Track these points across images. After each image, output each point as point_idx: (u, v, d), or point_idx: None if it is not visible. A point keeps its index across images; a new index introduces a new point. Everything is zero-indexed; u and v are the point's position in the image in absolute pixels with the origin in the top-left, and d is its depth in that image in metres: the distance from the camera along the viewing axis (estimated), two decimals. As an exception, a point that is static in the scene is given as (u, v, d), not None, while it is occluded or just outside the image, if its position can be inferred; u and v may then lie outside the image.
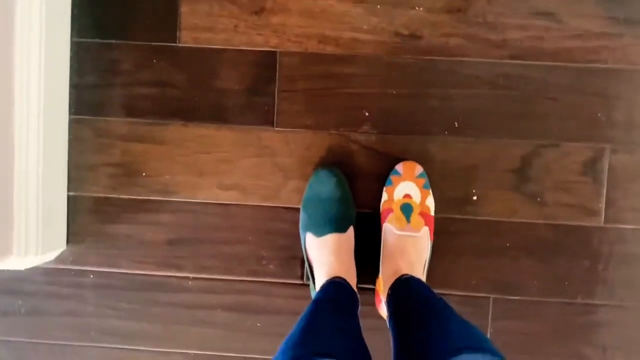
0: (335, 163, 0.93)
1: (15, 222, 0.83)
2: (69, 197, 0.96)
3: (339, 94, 0.93)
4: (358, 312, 0.82)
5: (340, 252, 0.86)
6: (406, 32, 0.92)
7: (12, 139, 0.83)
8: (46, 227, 0.90)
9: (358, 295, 0.84)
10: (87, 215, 0.96)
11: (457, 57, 0.92)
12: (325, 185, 0.89)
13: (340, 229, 0.87)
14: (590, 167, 0.91)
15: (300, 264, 0.94)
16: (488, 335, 0.93)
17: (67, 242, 0.96)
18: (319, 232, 0.87)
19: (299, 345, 0.62)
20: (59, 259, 0.96)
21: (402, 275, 0.82)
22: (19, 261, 0.84)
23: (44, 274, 0.96)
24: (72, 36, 0.95)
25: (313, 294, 0.89)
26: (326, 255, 0.86)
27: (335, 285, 0.81)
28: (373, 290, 0.93)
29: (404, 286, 0.80)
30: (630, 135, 0.91)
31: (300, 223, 0.91)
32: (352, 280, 0.86)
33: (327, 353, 0.58)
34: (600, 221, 0.92)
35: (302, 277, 0.94)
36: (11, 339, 0.98)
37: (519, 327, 0.93)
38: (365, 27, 0.92)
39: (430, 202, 0.91)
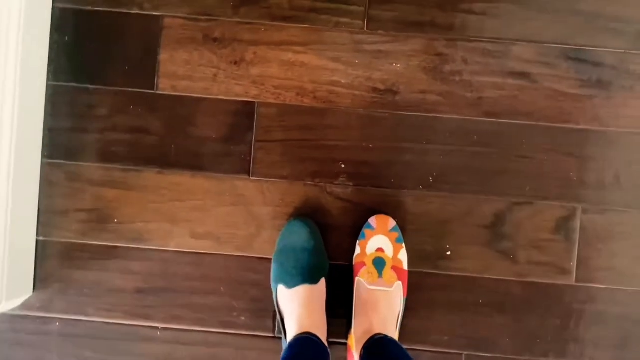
0: (309, 214, 0.93)
1: (-21, 271, 0.81)
2: (37, 242, 0.94)
3: (315, 146, 0.93)
4: (328, 368, 0.81)
5: (311, 304, 0.85)
6: (383, 87, 0.93)
7: (-19, 182, 0.82)
8: (13, 273, 0.87)
9: (329, 350, 0.83)
10: (56, 261, 0.94)
11: (432, 114, 0.93)
12: (298, 235, 0.89)
13: (312, 280, 0.86)
14: (563, 226, 0.92)
15: (272, 316, 0.93)
16: (460, 393, 0.92)
17: (34, 288, 0.94)
18: (290, 284, 0.86)
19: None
20: (24, 306, 0.93)
21: (376, 335, 0.81)
22: (-19, 311, 0.82)
23: (8, 321, 0.94)
24: (48, 79, 0.94)
25: (283, 340, 0.87)
26: (296, 308, 0.85)
27: (303, 341, 0.80)
28: (345, 344, 0.92)
29: (377, 346, 0.79)
30: (601, 196, 0.92)
31: (272, 274, 0.90)
32: (323, 334, 0.84)
33: None
34: (571, 280, 0.92)
35: (273, 330, 0.93)
36: (-29, 386, 0.95)
37: (490, 385, 0.93)
38: (343, 81, 0.93)
39: (403, 256, 0.90)
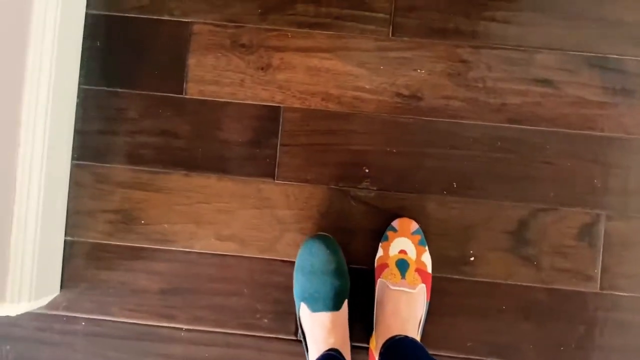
0: (333, 218, 0.94)
1: (11, 268, 0.82)
2: (65, 242, 0.96)
3: (339, 150, 0.95)
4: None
5: (334, 329, 0.84)
6: (407, 93, 0.94)
7: (14, 182, 0.84)
8: (41, 273, 0.89)
9: None
10: (83, 261, 0.95)
11: (456, 119, 0.94)
12: (317, 257, 0.87)
13: (335, 307, 0.85)
14: (586, 232, 0.92)
15: (294, 319, 0.93)
16: (482, 400, 0.91)
17: (61, 287, 0.95)
18: (313, 308, 0.85)
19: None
20: (51, 305, 0.95)
21: (396, 335, 0.81)
22: (11, 308, 0.83)
23: (34, 319, 0.95)
24: (80, 83, 0.97)
25: (306, 356, 0.87)
26: (320, 332, 0.84)
27: (329, 358, 0.80)
28: (367, 349, 0.92)
29: (396, 347, 0.79)
30: (625, 202, 0.92)
31: (294, 290, 0.89)
32: (347, 352, 0.84)
33: None
34: (595, 287, 0.92)
35: (295, 333, 0.93)
36: (-4, 384, 0.96)
37: (513, 392, 0.92)
38: (367, 86, 0.94)
39: (427, 258, 0.91)
